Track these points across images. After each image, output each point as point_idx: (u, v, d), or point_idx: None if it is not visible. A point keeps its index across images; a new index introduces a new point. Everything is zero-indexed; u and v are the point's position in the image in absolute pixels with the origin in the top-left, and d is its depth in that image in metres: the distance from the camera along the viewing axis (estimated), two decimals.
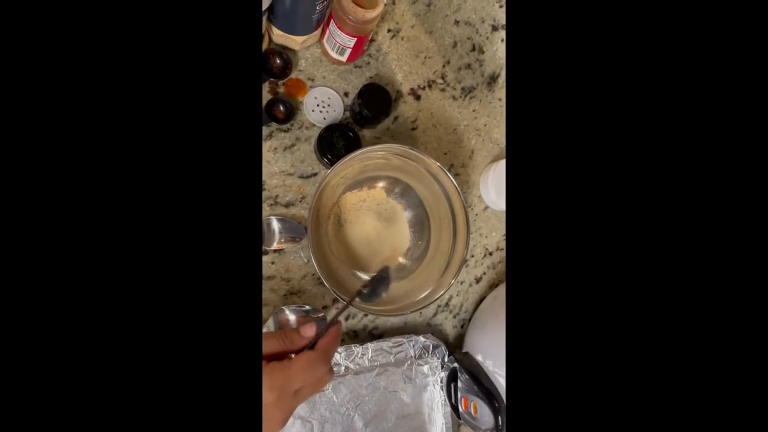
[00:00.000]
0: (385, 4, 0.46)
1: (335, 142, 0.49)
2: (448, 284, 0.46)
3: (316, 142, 0.50)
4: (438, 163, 0.46)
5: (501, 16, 0.59)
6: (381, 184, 0.51)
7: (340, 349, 0.49)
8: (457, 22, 0.57)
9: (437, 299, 0.47)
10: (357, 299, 0.39)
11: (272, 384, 0.30)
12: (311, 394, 0.33)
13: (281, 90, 0.50)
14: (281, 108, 0.49)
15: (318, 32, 0.49)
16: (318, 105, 0.51)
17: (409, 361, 0.51)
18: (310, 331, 0.33)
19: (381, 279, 0.40)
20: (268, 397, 0.30)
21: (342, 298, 0.44)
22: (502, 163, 0.54)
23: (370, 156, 0.47)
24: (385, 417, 0.50)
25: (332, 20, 0.46)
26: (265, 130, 0.49)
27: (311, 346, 0.33)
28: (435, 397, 0.52)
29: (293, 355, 0.33)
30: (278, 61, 0.49)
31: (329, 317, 0.48)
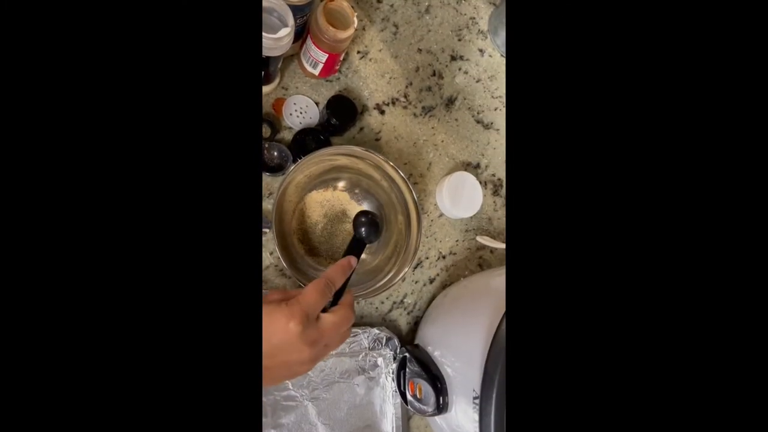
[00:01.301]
0: (356, 29, 0.53)
1: (308, 144, 0.54)
2: (403, 272, 0.50)
3: (290, 143, 0.54)
4: (391, 163, 0.51)
5: (459, 48, 0.66)
6: (344, 184, 0.56)
7: None
8: (420, 50, 0.64)
9: (394, 284, 0.51)
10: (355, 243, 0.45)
11: (308, 339, 0.33)
12: (338, 345, 0.37)
13: (269, 109, 0.55)
14: (275, 153, 0.53)
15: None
16: (296, 110, 0.56)
17: (363, 352, 0.54)
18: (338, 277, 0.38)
19: (371, 223, 0.45)
20: (304, 351, 0.33)
21: (301, 283, 0.47)
22: (457, 175, 0.60)
23: (334, 157, 0.52)
24: (338, 406, 0.52)
25: (309, 36, 0.52)
26: None
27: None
28: (387, 390, 0.54)
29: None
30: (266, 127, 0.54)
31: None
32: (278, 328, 0.32)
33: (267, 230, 0.53)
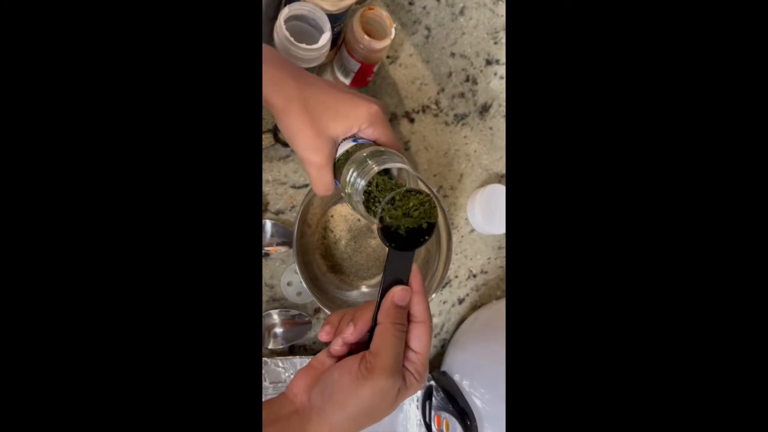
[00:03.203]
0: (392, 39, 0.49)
1: None
2: (429, 298, 0.47)
3: None
4: (425, 182, 0.48)
5: (495, 52, 0.62)
6: None
7: None
8: (453, 54, 0.60)
9: None
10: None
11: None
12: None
13: None
14: None
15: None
16: None
17: None
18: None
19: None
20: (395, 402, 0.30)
21: (321, 306, 0.45)
22: (490, 188, 0.56)
23: None
24: None
25: (344, 44, 0.50)
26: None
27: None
28: (410, 417, 0.51)
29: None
30: None
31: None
32: (385, 404, 0.29)
33: (284, 248, 0.50)
